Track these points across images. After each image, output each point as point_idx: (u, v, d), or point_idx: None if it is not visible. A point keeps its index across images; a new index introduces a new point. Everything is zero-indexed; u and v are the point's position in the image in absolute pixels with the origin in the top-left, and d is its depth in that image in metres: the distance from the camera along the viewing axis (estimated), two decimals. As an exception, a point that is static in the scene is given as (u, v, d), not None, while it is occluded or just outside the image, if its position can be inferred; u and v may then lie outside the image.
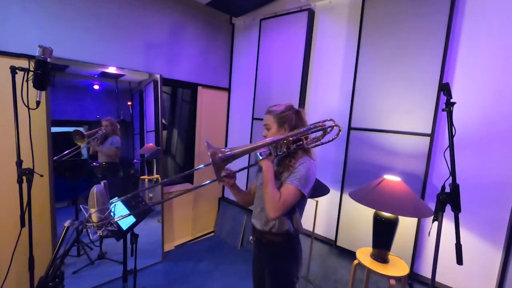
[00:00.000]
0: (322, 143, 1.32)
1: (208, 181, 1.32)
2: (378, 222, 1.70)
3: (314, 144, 1.31)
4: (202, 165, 1.39)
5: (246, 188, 3.04)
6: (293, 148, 1.26)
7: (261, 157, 1.20)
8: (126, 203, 1.67)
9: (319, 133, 1.33)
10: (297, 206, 1.27)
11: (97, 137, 2.38)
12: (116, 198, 1.39)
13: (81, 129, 2.33)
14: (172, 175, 3.77)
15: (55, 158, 2.07)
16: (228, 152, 1.14)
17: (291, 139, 1.23)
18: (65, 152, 2.16)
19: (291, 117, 1.30)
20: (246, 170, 3.09)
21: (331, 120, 1.30)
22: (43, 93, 1.48)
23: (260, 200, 1.33)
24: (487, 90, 1.69)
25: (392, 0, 1.99)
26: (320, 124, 1.30)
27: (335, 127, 1.29)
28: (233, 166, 1.30)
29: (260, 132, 2.96)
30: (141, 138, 2.84)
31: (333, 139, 1.31)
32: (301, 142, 1.27)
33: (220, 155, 1.12)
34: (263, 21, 2.86)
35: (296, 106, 1.41)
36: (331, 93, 2.44)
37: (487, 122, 1.69)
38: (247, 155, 2.99)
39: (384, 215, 1.67)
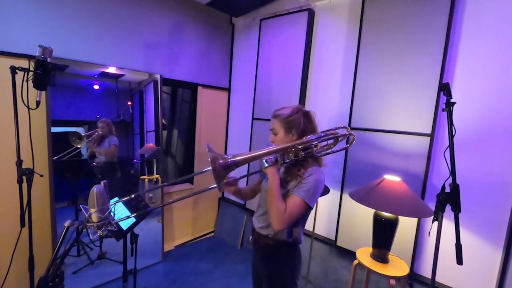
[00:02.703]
0: (333, 152, 1.25)
1: (210, 187, 1.22)
2: (378, 222, 1.70)
3: (324, 152, 1.24)
4: (205, 169, 1.22)
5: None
6: (302, 156, 1.18)
7: (266, 164, 1.14)
8: (126, 203, 1.67)
9: (330, 141, 1.25)
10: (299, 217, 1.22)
11: (94, 139, 2.39)
12: (117, 198, 1.39)
13: (80, 129, 2.33)
14: (172, 176, 3.77)
15: (54, 158, 2.07)
16: (231, 160, 1.07)
17: (300, 147, 1.16)
18: (65, 152, 2.16)
19: (299, 121, 1.21)
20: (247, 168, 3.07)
21: (344, 127, 1.22)
22: (43, 93, 1.48)
23: (264, 203, 1.28)
24: (487, 90, 1.69)
25: (392, 0, 1.99)
26: (332, 132, 1.21)
27: (349, 135, 1.22)
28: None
29: (260, 132, 2.97)
30: (141, 138, 2.85)
31: (345, 148, 1.27)
32: (310, 150, 1.19)
33: (221, 161, 1.05)
34: (263, 21, 2.86)
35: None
36: (331, 93, 2.44)
37: (487, 122, 1.69)
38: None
39: (384, 215, 1.67)
